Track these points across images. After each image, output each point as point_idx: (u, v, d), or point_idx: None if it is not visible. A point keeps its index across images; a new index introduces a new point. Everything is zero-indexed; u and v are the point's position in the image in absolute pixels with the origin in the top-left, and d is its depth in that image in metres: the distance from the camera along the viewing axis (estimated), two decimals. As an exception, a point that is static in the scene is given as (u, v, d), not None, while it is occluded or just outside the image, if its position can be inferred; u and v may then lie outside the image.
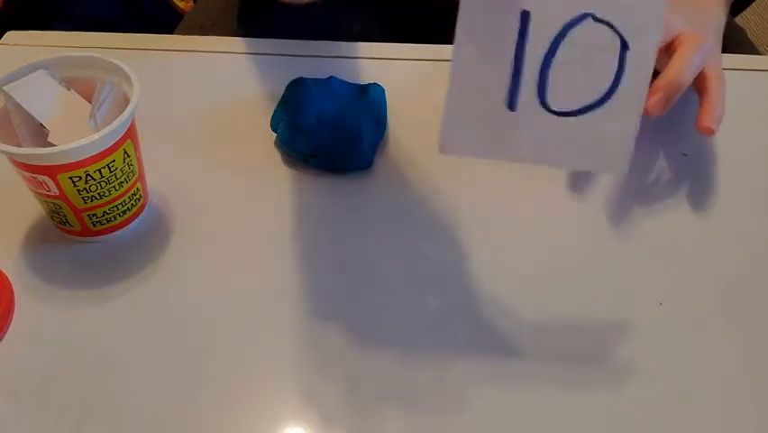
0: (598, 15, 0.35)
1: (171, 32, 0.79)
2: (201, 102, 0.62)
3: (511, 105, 0.35)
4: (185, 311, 0.48)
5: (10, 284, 0.48)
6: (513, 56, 0.34)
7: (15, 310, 0.48)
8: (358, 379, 0.44)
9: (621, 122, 0.35)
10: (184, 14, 0.87)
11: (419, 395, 0.43)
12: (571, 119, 0.35)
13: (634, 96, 0.35)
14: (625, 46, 0.35)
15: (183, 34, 0.79)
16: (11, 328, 0.47)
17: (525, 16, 0.33)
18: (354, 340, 0.46)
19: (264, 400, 0.43)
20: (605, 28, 0.35)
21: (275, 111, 0.58)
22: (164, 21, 0.84)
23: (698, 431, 0.42)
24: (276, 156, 0.57)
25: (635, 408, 0.43)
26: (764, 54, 0.67)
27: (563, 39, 0.34)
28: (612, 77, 0.35)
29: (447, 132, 0.35)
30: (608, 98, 0.35)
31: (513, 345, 0.45)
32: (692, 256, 0.50)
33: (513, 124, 0.35)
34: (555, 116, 0.35)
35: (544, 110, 0.35)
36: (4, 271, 0.49)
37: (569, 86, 0.35)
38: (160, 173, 0.54)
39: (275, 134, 0.58)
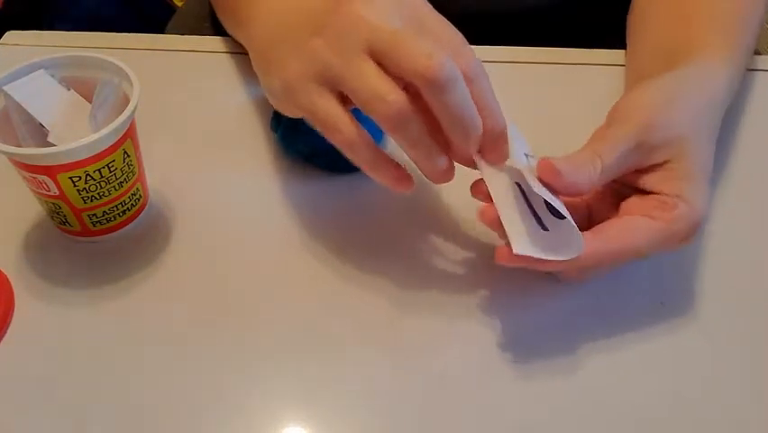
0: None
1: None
2: (201, 102, 0.62)
3: (543, 227, 0.43)
4: (185, 311, 0.48)
5: (10, 284, 0.48)
6: (525, 203, 0.44)
7: (15, 310, 0.48)
8: (358, 379, 0.44)
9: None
10: (184, 14, 0.86)
11: (420, 394, 0.43)
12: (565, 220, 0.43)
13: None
14: None
15: (176, 29, 0.79)
16: (11, 328, 0.47)
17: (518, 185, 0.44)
18: (354, 340, 0.46)
19: (264, 400, 0.43)
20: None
21: (275, 111, 0.58)
22: (164, 20, 0.84)
23: (700, 432, 0.42)
24: (276, 156, 0.57)
25: (636, 408, 0.43)
26: (764, 54, 0.67)
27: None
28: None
29: (517, 243, 0.42)
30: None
31: (514, 344, 0.45)
32: (694, 255, 0.50)
33: (552, 236, 0.43)
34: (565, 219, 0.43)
35: (558, 219, 0.43)
36: (4, 271, 0.49)
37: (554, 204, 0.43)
38: (160, 173, 0.54)
39: (275, 134, 0.58)
